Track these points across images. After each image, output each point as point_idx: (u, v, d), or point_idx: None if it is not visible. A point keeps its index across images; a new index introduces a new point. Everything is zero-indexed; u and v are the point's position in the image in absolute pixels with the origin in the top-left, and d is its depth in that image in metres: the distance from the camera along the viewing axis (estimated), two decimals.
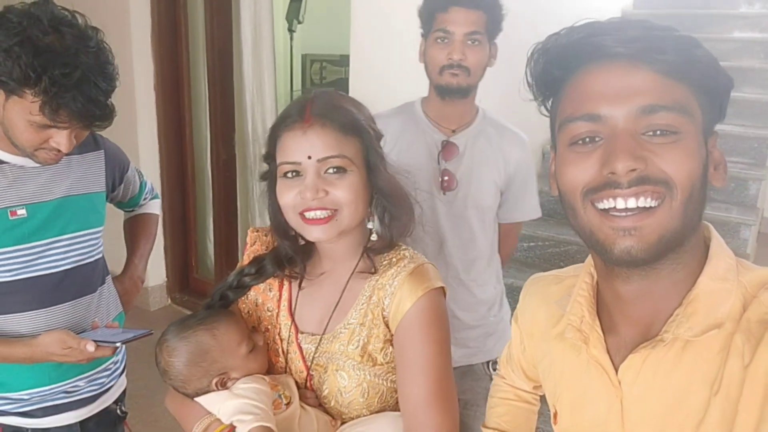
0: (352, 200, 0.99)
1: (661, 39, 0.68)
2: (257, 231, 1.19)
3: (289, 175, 1.00)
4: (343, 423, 1.07)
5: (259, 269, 1.13)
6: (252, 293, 1.16)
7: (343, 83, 9.21)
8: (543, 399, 1.02)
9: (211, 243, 3.97)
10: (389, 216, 1.06)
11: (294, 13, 6.45)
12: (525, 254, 3.46)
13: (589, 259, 0.85)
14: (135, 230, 1.71)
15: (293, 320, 1.11)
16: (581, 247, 3.33)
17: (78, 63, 1.11)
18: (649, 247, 0.67)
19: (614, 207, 0.67)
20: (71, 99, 1.11)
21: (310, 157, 0.98)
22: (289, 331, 1.10)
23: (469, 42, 1.56)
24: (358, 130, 1.02)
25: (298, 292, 1.12)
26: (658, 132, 0.67)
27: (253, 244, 1.17)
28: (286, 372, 1.12)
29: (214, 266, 3.87)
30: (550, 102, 0.79)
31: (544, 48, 0.75)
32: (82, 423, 1.43)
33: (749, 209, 3.38)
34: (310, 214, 0.99)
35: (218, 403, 1.03)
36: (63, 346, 1.23)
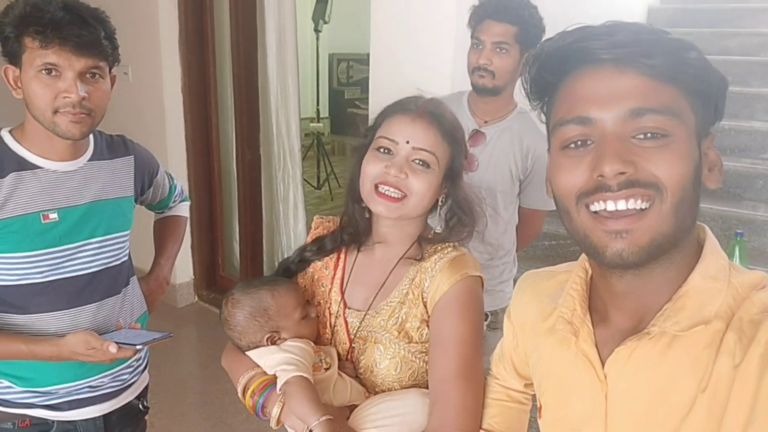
0: (423, 193, 1.10)
1: (649, 43, 0.68)
2: (321, 218, 1.32)
3: (382, 150, 1.12)
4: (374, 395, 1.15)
5: (320, 247, 1.25)
6: (310, 270, 1.28)
7: (369, 81, 9.22)
8: (534, 397, 1.03)
9: (236, 242, 4.05)
10: (456, 221, 1.17)
11: (320, 14, 6.52)
12: (546, 252, 3.44)
13: (584, 255, 0.85)
14: (163, 232, 1.77)
15: (343, 297, 1.21)
16: None
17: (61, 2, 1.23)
18: (640, 250, 0.68)
19: (605, 209, 0.68)
20: (58, 23, 1.20)
21: (408, 142, 1.10)
22: (339, 306, 1.21)
23: (497, 50, 1.83)
24: (453, 140, 1.14)
25: (351, 272, 1.23)
26: (648, 135, 0.67)
27: (316, 229, 1.31)
28: (331, 344, 1.22)
29: (239, 264, 3.95)
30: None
31: (537, 53, 0.76)
32: (105, 416, 1.49)
33: None
34: (383, 188, 1.10)
35: (265, 356, 1.14)
36: (87, 346, 1.28)
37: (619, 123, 0.68)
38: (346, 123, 8.58)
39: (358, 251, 1.24)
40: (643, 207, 0.67)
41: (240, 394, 1.15)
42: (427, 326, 1.12)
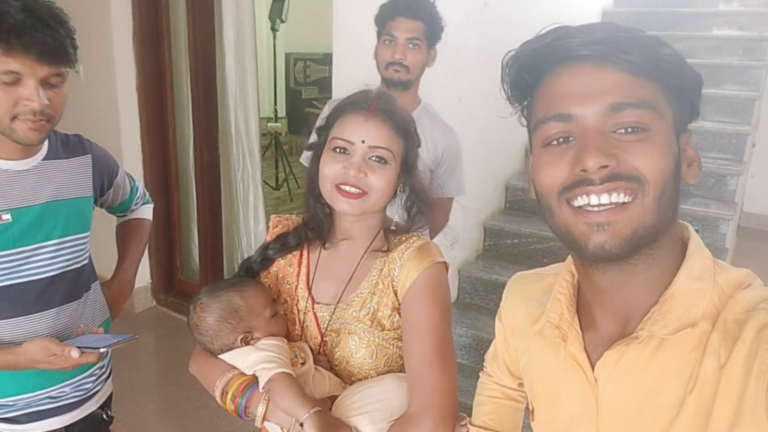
0: (383, 189, 1.13)
1: (626, 40, 0.69)
2: (279, 217, 1.32)
3: (338, 150, 1.13)
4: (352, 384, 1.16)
5: (283, 244, 1.25)
6: (274, 268, 1.27)
7: (326, 81, 9.22)
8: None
9: (195, 244, 3.96)
10: (417, 210, 1.20)
11: (277, 12, 6.44)
12: (509, 250, 3.49)
13: (570, 258, 0.85)
14: (126, 236, 1.70)
15: (310, 293, 1.22)
16: None
17: (21, 4, 1.16)
18: (622, 242, 0.68)
19: (588, 203, 0.69)
20: (20, 30, 1.13)
21: (363, 141, 1.11)
22: (306, 302, 1.22)
23: (410, 45, 1.94)
24: (406, 133, 1.17)
25: (316, 267, 1.24)
26: (629, 129, 0.68)
27: (275, 227, 1.30)
28: (301, 339, 1.22)
29: (199, 267, 3.86)
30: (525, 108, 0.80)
31: (516, 55, 0.76)
32: (67, 428, 1.43)
33: (728, 204, 3.43)
34: (345, 188, 1.12)
35: (242, 357, 1.14)
36: (47, 353, 1.22)
37: (599, 118, 0.69)
38: (303, 123, 8.51)
39: (323, 247, 1.24)
40: (626, 200, 0.67)
41: (218, 398, 1.13)
42: (398, 314, 1.15)
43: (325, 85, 8.91)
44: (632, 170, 0.67)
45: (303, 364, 1.15)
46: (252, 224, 3.80)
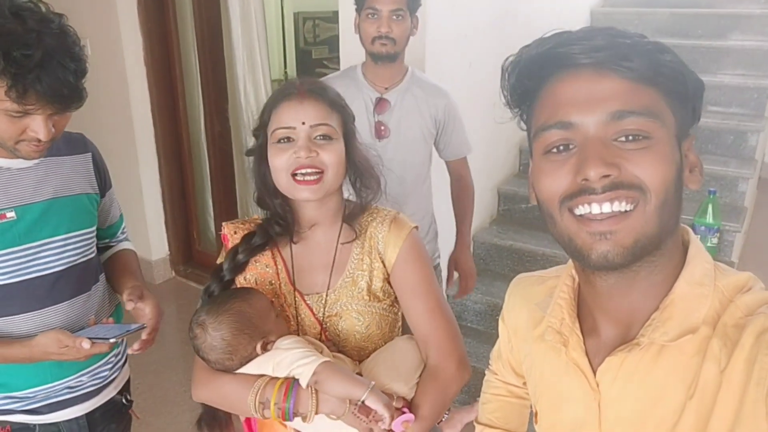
0: (336, 163, 1.14)
1: (627, 46, 0.68)
2: (232, 223, 1.29)
3: (283, 141, 1.13)
4: (361, 362, 1.19)
5: (249, 244, 1.22)
6: (249, 274, 1.24)
7: (336, 40, 9.02)
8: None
9: (211, 215, 3.99)
10: (360, 184, 1.22)
11: None
12: (523, 215, 3.45)
13: (571, 262, 0.85)
14: (121, 266, 1.57)
15: (294, 287, 1.23)
16: None
17: (40, 44, 1.11)
18: (625, 251, 0.68)
19: (590, 212, 0.68)
20: (36, 80, 1.11)
21: (303, 123, 1.12)
22: (294, 297, 1.22)
23: (394, 17, 1.92)
24: (340, 107, 1.19)
25: (291, 262, 1.23)
26: (630, 137, 0.67)
27: (234, 234, 1.26)
28: (298, 334, 1.22)
29: (215, 237, 3.90)
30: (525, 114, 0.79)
31: (516, 61, 0.75)
32: (88, 415, 1.46)
33: (747, 162, 3.35)
34: (301, 172, 1.12)
35: (270, 362, 1.11)
36: (59, 345, 1.25)
37: (600, 126, 0.68)
38: None
39: (292, 242, 1.23)
40: (627, 209, 0.67)
41: (255, 411, 1.09)
42: (389, 283, 1.22)
43: (335, 45, 8.71)
44: (634, 179, 0.67)
45: (321, 352, 1.15)
46: None
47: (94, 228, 1.45)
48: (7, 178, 1.29)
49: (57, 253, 1.35)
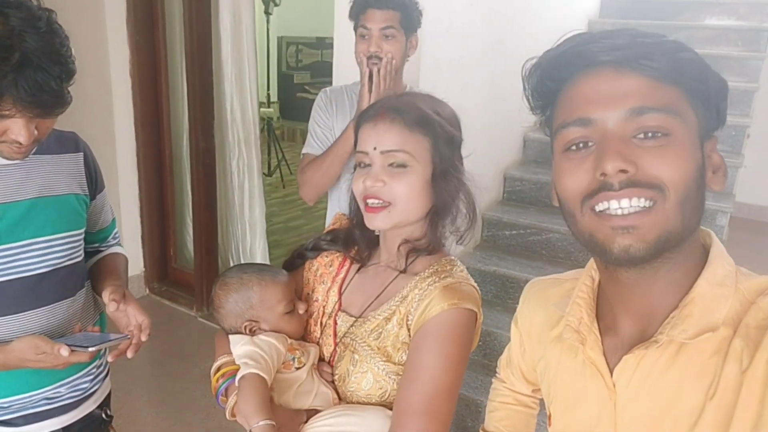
0: (407, 196, 1.03)
1: (647, 45, 0.69)
2: (343, 215, 1.29)
3: (362, 164, 1.07)
4: (343, 403, 1.12)
5: (333, 239, 1.24)
6: (315, 265, 1.25)
7: (318, 66, 9.16)
8: (542, 402, 1.03)
9: (189, 233, 3.91)
10: (451, 220, 1.09)
11: None
12: (507, 242, 3.48)
13: (591, 263, 0.86)
14: (106, 267, 1.50)
15: (340, 298, 1.18)
16: (563, 235, 3.35)
17: (20, 45, 1.03)
18: (647, 246, 0.68)
19: (608, 208, 0.69)
20: (12, 84, 1.03)
21: (375, 148, 1.04)
22: (333, 307, 1.17)
23: (385, 36, 1.88)
24: (427, 127, 1.04)
25: (354, 276, 1.19)
26: (649, 134, 0.68)
27: (333, 225, 1.30)
28: (319, 343, 1.19)
29: (193, 256, 3.82)
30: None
31: (537, 63, 0.76)
32: (66, 428, 1.39)
33: (725, 196, 3.43)
34: (370, 201, 1.05)
35: (236, 345, 1.13)
36: (37, 351, 1.18)
37: (619, 123, 0.68)
38: (295, 108, 8.46)
39: (369, 260, 1.20)
40: (647, 205, 0.67)
41: (212, 373, 1.17)
42: (408, 350, 1.06)
43: (317, 70, 8.85)
44: (652, 178, 0.67)
45: (299, 368, 1.13)
46: (247, 212, 3.77)
47: (82, 231, 1.39)
48: None
49: (40, 254, 1.29)
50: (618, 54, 0.69)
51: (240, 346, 1.12)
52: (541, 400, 1.03)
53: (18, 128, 1.11)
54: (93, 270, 1.50)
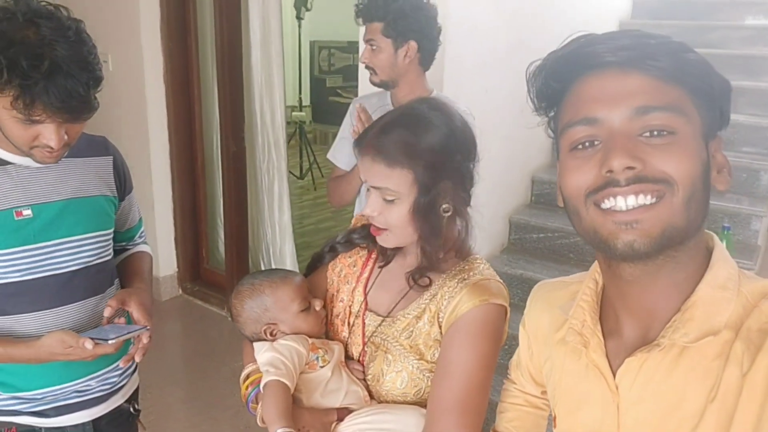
0: (397, 226, 1.07)
1: (652, 46, 0.69)
2: (362, 215, 1.26)
3: (368, 189, 1.10)
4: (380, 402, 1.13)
5: (366, 234, 1.22)
6: (338, 266, 1.26)
7: (351, 70, 9.21)
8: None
9: (220, 234, 3.99)
10: (425, 243, 1.09)
11: (302, 1, 6.43)
12: (534, 245, 3.46)
13: (595, 266, 0.86)
14: (131, 267, 1.58)
15: (366, 297, 1.19)
16: None
17: (50, 54, 1.09)
18: (651, 241, 0.68)
19: (615, 205, 0.69)
20: (43, 91, 1.08)
21: (367, 181, 1.08)
22: (360, 306, 1.18)
23: (371, 48, 1.94)
24: (406, 160, 1.03)
25: (378, 275, 1.20)
26: (655, 133, 0.68)
27: (355, 225, 1.31)
28: (347, 343, 1.20)
29: (224, 257, 3.90)
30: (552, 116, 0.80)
31: (542, 64, 0.77)
32: (95, 421, 1.44)
33: (760, 200, 3.34)
34: (372, 223, 1.11)
35: (259, 353, 1.15)
36: (64, 345, 1.24)
37: (625, 121, 0.69)
38: (328, 111, 8.52)
39: (392, 259, 1.21)
40: (653, 201, 0.67)
41: (241, 382, 1.18)
42: (440, 347, 1.07)
43: (349, 74, 8.90)
44: (659, 173, 0.67)
45: (324, 366, 1.13)
46: (277, 214, 3.82)
47: (111, 230, 1.45)
48: (26, 175, 1.30)
49: (71, 253, 1.35)
50: (623, 54, 0.69)
51: (262, 354, 1.14)
52: None
53: (49, 133, 1.17)
54: (119, 268, 1.56)
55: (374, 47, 1.92)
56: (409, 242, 1.11)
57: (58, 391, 1.37)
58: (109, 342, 1.26)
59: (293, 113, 7.16)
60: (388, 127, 1.06)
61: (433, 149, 1.04)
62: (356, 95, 2.59)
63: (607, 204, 0.69)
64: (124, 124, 3.64)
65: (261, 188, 3.80)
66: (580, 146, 0.72)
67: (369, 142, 1.06)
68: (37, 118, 1.14)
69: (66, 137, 1.21)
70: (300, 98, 7.54)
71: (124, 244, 1.60)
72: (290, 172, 4.54)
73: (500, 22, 2.94)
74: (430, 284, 1.11)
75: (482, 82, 2.85)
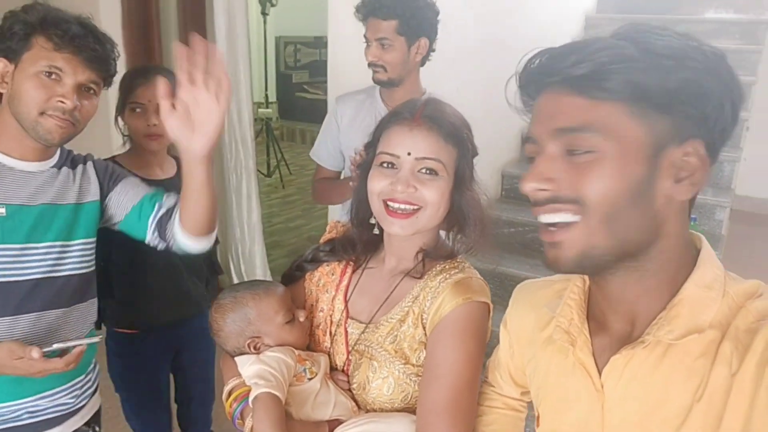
0: (437, 202, 1.05)
1: (595, 64, 0.67)
2: (338, 222, 1.31)
3: (386, 165, 1.06)
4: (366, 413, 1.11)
5: (332, 249, 1.22)
6: (317, 275, 1.24)
7: (317, 65, 9.15)
8: (530, 404, 1.03)
9: None
10: (459, 230, 1.10)
11: None
12: (506, 239, 3.48)
13: None
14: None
15: (346, 306, 1.17)
16: None
17: (76, 22, 1.27)
18: (571, 261, 0.71)
19: (542, 222, 0.73)
20: (75, 34, 1.24)
21: (409, 154, 1.04)
22: (341, 315, 1.16)
23: (382, 46, 1.91)
24: (458, 141, 1.07)
25: (357, 281, 1.19)
26: (576, 152, 0.70)
27: (329, 232, 1.30)
28: (330, 353, 1.18)
29: None
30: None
31: (516, 75, 0.78)
32: None
33: (723, 191, 3.43)
34: (393, 205, 1.05)
35: (244, 366, 1.12)
36: (12, 356, 1.19)
37: (550, 141, 0.72)
38: (294, 107, 8.45)
39: (366, 265, 1.20)
40: (571, 220, 0.70)
41: (224, 399, 1.14)
42: (426, 349, 1.06)
43: (315, 69, 8.84)
44: (571, 193, 0.69)
45: (312, 378, 1.11)
46: (245, 214, 3.77)
47: (89, 240, 1.40)
48: (8, 175, 1.28)
49: (37, 259, 1.30)
50: (564, 74, 0.70)
51: (248, 367, 1.10)
52: (529, 403, 1.03)
53: (65, 90, 1.24)
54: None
55: (386, 45, 1.91)
56: (427, 228, 1.08)
57: (9, 410, 1.31)
58: (53, 347, 1.22)
59: (260, 110, 7.07)
60: (436, 106, 1.08)
61: (470, 139, 1.10)
62: (324, 92, 2.57)
63: (540, 219, 0.73)
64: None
65: (229, 187, 3.74)
66: (528, 161, 0.76)
67: (424, 113, 1.05)
68: (66, 54, 1.23)
69: (79, 105, 1.26)
70: (266, 95, 7.46)
71: (155, 211, 1.42)
72: (258, 170, 4.47)
73: (470, 19, 2.94)
74: (421, 277, 1.10)
75: (454, 78, 2.84)
